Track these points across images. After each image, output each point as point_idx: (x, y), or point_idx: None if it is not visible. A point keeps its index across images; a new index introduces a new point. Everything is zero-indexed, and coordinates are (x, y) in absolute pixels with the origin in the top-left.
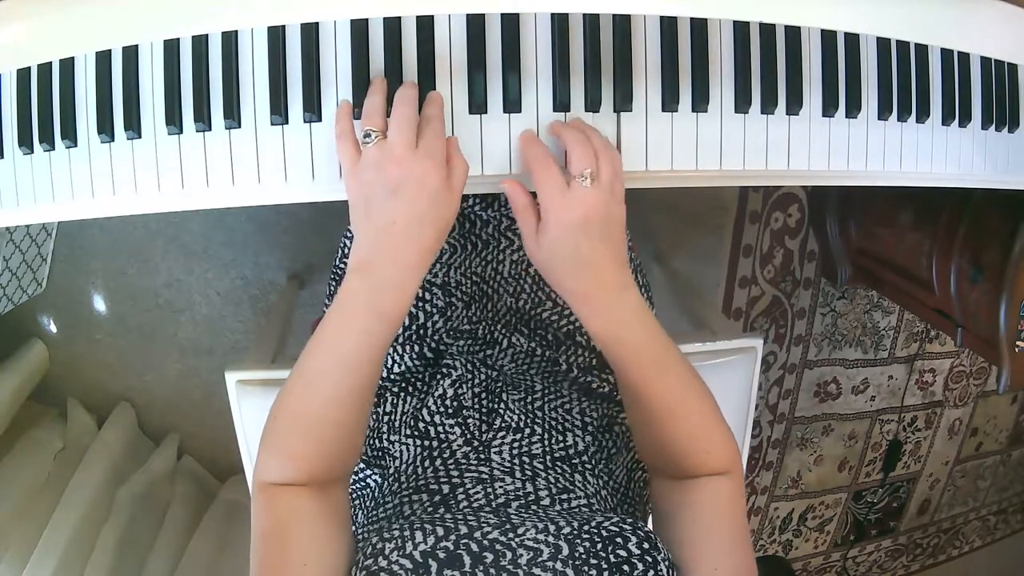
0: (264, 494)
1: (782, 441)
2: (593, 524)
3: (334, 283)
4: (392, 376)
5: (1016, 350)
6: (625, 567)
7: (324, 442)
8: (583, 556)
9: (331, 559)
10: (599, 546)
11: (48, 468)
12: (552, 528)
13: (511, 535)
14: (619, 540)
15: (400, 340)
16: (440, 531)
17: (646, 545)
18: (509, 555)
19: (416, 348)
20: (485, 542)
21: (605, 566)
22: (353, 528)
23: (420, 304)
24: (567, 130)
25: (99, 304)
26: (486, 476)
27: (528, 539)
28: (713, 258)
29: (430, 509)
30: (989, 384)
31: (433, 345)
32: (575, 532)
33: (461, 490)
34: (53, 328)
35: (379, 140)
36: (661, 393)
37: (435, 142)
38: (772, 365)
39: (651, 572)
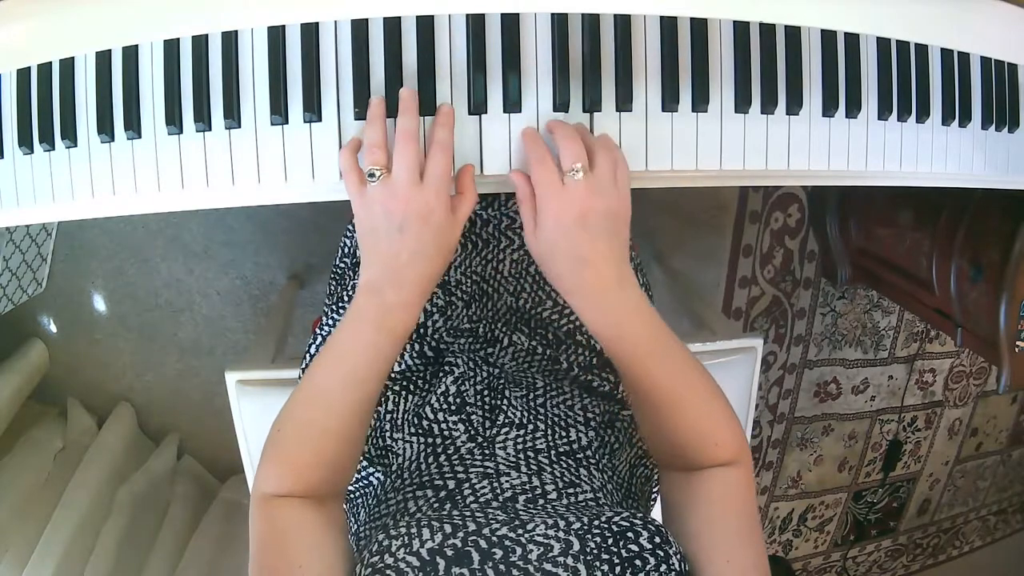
0: (263, 505)
1: (782, 441)
2: (603, 519)
3: (335, 283)
4: (393, 375)
5: (1016, 350)
6: (637, 562)
7: (325, 453)
8: (594, 551)
9: (327, 564)
10: (610, 541)
11: (48, 468)
12: (562, 524)
13: (520, 531)
14: (630, 535)
15: None
16: (448, 528)
17: (657, 539)
18: (519, 551)
19: (416, 347)
20: (494, 538)
21: (617, 561)
22: (355, 526)
23: None
24: (559, 127)
25: (99, 304)
26: (492, 471)
27: (538, 535)
28: (713, 258)
29: (436, 504)
30: (989, 384)
31: (433, 344)
32: (586, 527)
33: (467, 485)
34: (53, 328)
35: (383, 177)
36: (664, 387)
37: (440, 173)
38: (772, 365)
39: (663, 566)
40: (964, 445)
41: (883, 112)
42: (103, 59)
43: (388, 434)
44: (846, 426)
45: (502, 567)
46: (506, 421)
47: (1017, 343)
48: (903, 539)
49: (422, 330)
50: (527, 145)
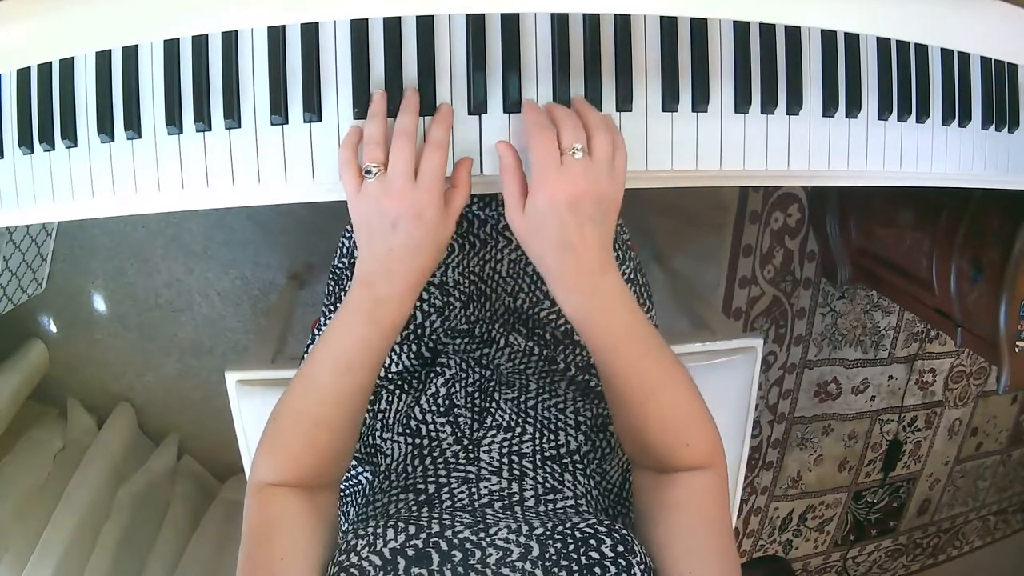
0: (257, 494)
1: (782, 441)
2: (568, 525)
3: (334, 283)
4: (389, 375)
5: (1016, 350)
6: (596, 569)
7: (317, 443)
8: (553, 557)
9: (309, 555)
10: (571, 547)
11: (48, 468)
12: (525, 528)
13: (482, 534)
14: (592, 542)
15: (398, 340)
16: (412, 529)
17: (620, 548)
18: (478, 554)
19: (414, 347)
20: (455, 540)
21: (575, 568)
22: (345, 525)
23: (418, 304)
24: (557, 108)
25: (99, 304)
26: (472, 476)
27: (499, 539)
28: (713, 258)
29: (414, 508)
30: (989, 384)
31: (431, 344)
32: (547, 533)
33: (446, 490)
34: (53, 328)
35: (380, 175)
36: (638, 379)
37: (434, 171)
38: (772, 365)
39: (624, 575)
40: (964, 445)
41: (883, 112)
42: (103, 59)
43: (379, 433)
44: (846, 426)
45: (460, 569)
46: (493, 424)
47: (1017, 343)
48: (903, 539)
49: (420, 331)
50: (528, 114)
